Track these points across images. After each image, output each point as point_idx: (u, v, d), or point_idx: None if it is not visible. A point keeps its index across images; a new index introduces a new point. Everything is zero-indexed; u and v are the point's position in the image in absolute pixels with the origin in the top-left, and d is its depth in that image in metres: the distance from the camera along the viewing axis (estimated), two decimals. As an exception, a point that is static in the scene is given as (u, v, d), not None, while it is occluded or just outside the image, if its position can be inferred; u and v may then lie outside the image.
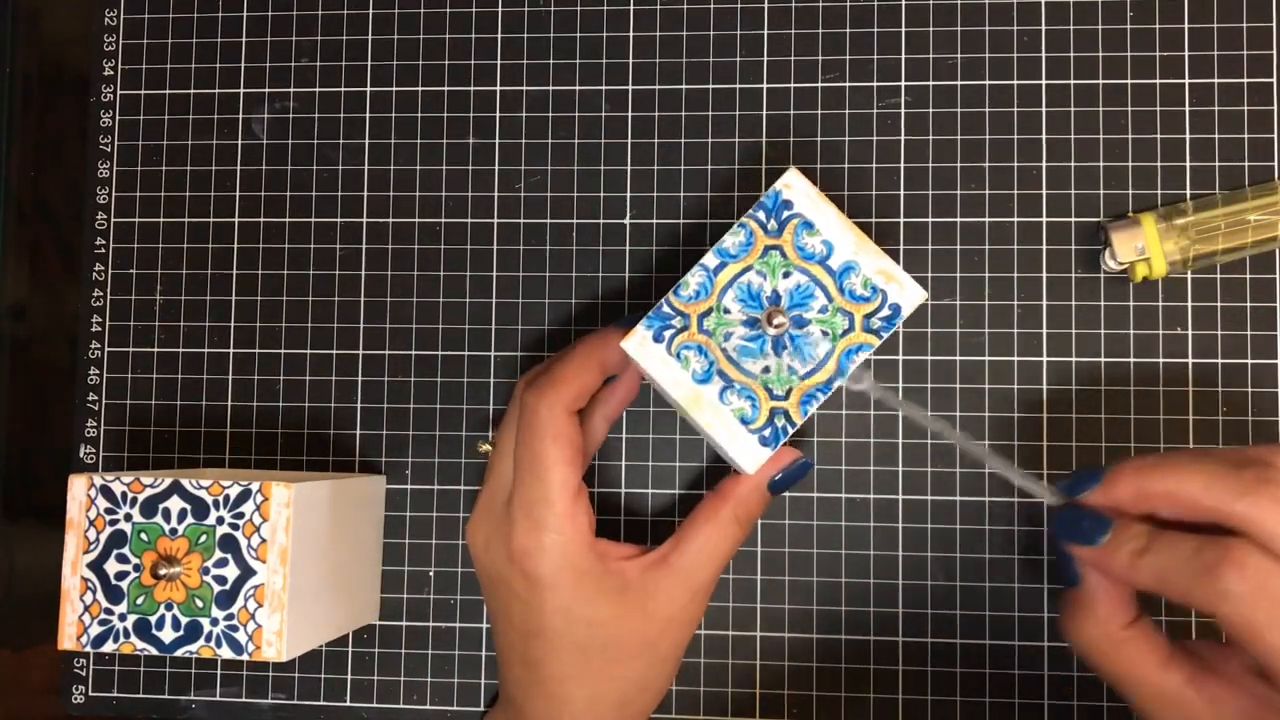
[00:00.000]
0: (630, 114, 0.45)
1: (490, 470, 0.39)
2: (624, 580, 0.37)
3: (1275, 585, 0.29)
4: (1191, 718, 0.32)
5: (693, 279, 0.36)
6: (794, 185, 0.36)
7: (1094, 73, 0.44)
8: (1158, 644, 0.33)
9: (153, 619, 0.38)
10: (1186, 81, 0.43)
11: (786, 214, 0.35)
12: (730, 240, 0.35)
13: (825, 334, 0.35)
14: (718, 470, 0.44)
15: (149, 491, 0.38)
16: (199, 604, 0.37)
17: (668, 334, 0.35)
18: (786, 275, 0.35)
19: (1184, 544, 0.31)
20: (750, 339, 0.35)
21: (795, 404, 0.35)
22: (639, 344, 0.35)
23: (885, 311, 0.35)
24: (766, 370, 0.35)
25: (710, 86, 0.45)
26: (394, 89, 0.46)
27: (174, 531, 0.38)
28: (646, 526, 0.44)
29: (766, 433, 0.35)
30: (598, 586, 0.37)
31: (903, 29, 0.44)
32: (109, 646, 0.38)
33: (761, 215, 0.36)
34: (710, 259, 0.36)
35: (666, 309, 0.35)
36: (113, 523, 0.38)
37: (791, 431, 0.35)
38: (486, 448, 0.44)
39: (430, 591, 0.45)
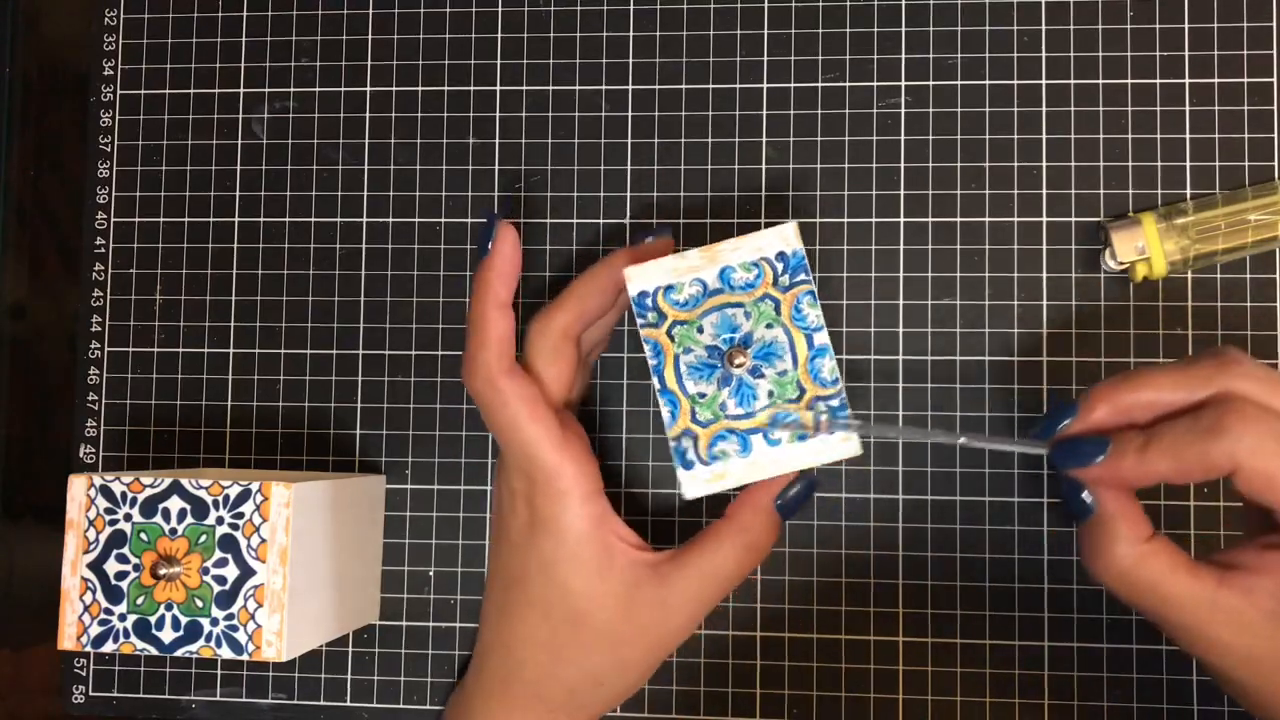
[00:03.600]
0: (630, 114, 0.45)
1: None
2: (612, 562, 0.36)
3: (1277, 425, 0.31)
4: (1233, 618, 0.32)
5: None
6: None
7: (1094, 73, 0.44)
8: (1181, 554, 0.33)
9: (153, 619, 0.38)
10: (1186, 81, 0.43)
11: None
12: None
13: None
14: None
15: (149, 491, 0.38)
16: (199, 604, 0.37)
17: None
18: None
19: (1181, 421, 0.32)
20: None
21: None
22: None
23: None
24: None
25: (710, 86, 0.45)
26: (394, 89, 0.46)
27: (174, 531, 0.38)
28: (647, 527, 0.44)
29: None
30: (590, 553, 0.36)
31: (903, 29, 0.44)
32: (109, 646, 0.38)
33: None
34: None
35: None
36: (112, 523, 0.38)
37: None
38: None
39: (430, 591, 0.45)
